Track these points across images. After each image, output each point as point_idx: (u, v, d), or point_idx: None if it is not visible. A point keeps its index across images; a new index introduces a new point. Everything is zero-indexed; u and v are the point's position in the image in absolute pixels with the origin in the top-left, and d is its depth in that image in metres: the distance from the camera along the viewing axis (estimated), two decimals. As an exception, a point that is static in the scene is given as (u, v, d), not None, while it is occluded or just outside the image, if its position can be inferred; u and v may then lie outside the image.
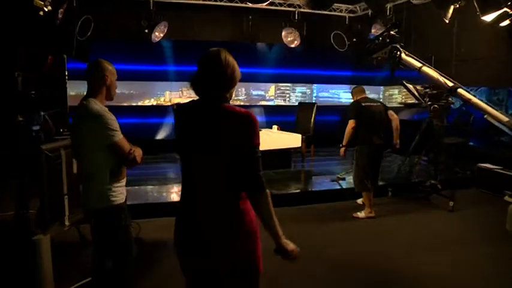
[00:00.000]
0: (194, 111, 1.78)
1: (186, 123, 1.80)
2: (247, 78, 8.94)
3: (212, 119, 1.72)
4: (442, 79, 5.31)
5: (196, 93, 1.79)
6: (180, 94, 9.03)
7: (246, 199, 1.74)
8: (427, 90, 5.46)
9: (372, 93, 10.35)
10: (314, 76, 9.84)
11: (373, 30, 7.92)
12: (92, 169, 2.35)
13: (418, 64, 5.65)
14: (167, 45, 8.55)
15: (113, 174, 2.35)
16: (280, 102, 9.80)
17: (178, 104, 1.94)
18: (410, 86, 5.55)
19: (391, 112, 5.13)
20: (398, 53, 5.66)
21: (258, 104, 9.65)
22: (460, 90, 5.23)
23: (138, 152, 2.40)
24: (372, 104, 5.03)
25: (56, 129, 5.07)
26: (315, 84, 10.01)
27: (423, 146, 6.16)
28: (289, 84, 9.81)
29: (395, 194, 6.07)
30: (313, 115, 7.88)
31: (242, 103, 9.45)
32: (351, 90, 5.40)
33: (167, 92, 8.98)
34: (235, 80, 1.78)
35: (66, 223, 3.26)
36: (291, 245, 1.76)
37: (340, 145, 5.09)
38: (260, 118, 9.01)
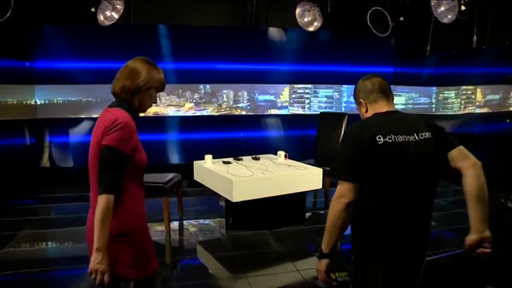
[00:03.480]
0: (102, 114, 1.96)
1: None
2: (250, 78, 7.31)
3: (100, 120, 1.86)
4: None
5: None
6: (157, 101, 6.77)
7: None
8: None
9: (421, 96, 8.22)
10: (343, 74, 7.96)
11: (433, 1, 5.36)
12: None
13: None
14: (141, 32, 6.77)
15: None
16: (297, 110, 7.89)
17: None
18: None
19: (460, 150, 1.72)
20: None
21: (266, 113, 7.60)
22: None
23: None
24: (406, 136, 1.70)
25: None
26: (345, 85, 8.09)
27: None
28: (309, 86, 7.91)
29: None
30: (343, 131, 5.50)
31: (244, 112, 7.51)
32: (354, 88, 2.07)
33: (139, 99, 6.85)
34: (140, 88, 1.85)
35: None
36: (94, 263, 1.60)
37: (316, 252, 1.75)
38: (270, 133, 7.66)
